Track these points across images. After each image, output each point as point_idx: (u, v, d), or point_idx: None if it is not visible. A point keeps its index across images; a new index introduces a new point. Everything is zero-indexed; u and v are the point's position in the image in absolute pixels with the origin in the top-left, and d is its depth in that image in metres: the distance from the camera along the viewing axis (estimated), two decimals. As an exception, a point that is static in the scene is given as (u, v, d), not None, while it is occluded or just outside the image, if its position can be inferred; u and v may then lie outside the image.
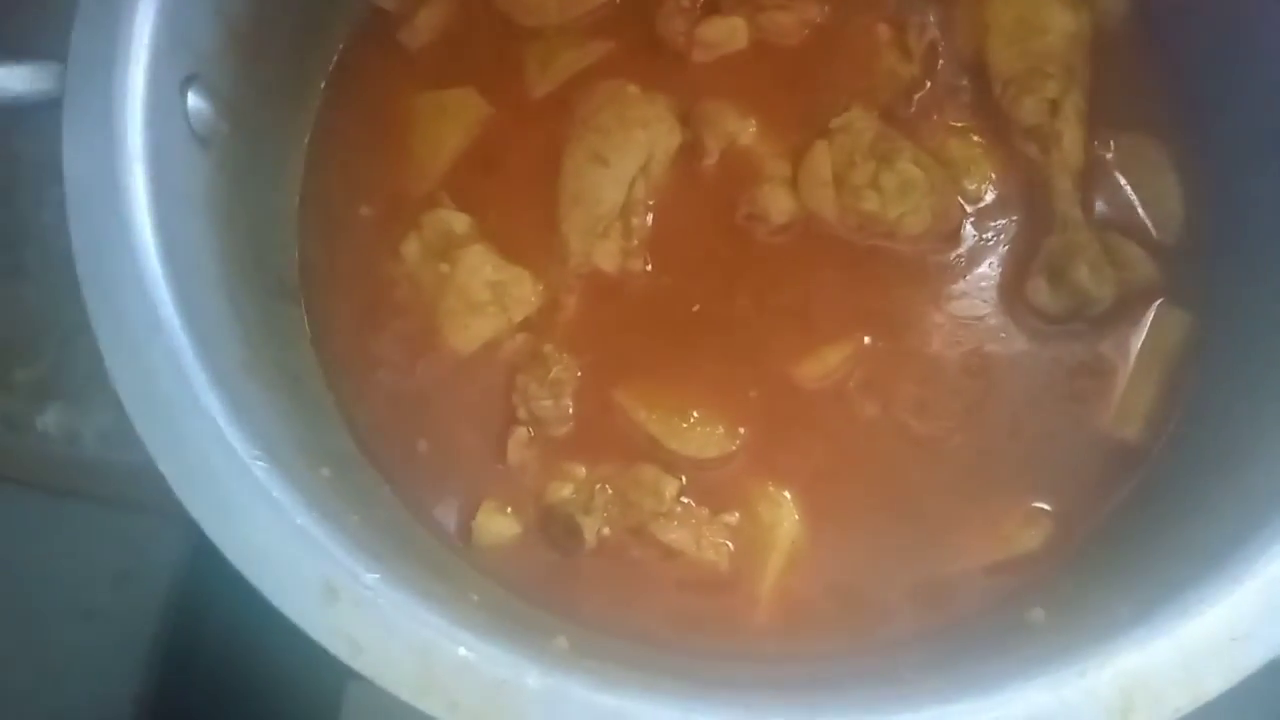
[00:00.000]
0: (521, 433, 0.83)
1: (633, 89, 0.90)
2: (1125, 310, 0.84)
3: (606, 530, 0.81)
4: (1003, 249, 0.87)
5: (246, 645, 0.94)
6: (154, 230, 0.66)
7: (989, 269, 0.87)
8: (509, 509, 0.82)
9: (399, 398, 0.86)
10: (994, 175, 0.88)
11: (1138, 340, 0.84)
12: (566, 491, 0.82)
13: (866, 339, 0.85)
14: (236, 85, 0.80)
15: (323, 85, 0.93)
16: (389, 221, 0.89)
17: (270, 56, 0.85)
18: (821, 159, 0.87)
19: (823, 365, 0.84)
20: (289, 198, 0.89)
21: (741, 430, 0.83)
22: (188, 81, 0.73)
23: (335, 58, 0.93)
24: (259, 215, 0.84)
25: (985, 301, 0.86)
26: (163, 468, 0.60)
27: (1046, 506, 0.81)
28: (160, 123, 0.69)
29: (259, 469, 0.61)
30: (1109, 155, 0.88)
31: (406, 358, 0.87)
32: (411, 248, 0.88)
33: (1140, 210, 0.87)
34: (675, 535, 0.80)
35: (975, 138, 0.89)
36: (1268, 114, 0.83)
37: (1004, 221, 0.88)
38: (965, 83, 0.91)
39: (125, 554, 1.06)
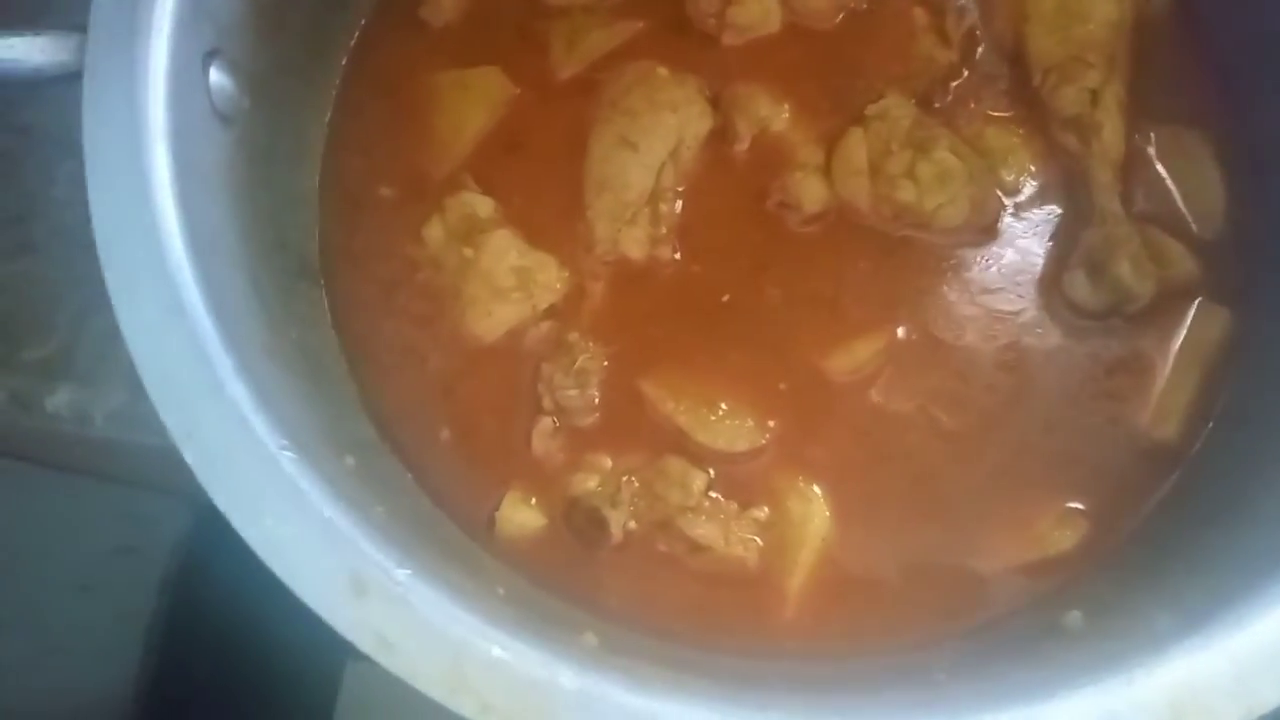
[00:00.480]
0: (546, 423, 0.82)
1: (662, 71, 0.88)
2: (1164, 307, 0.83)
3: (632, 524, 0.79)
4: (1041, 242, 0.85)
5: (247, 623, 0.93)
6: (177, 210, 0.64)
7: (1026, 262, 0.85)
8: (533, 500, 0.81)
9: (421, 384, 0.84)
10: (1032, 166, 0.86)
11: (1176, 338, 0.83)
12: (592, 483, 0.80)
13: (899, 332, 0.83)
14: (257, 60, 0.77)
15: (343, 62, 0.90)
16: (411, 203, 0.87)
17: (291, 30, 0.82)
18: (856, 147, 0.85)
19: (853, 358, 0.82)
20: (310, 177, 0.87)
21: (771, 423, 0.81)
22: (210, 56, 0.71)
23: (356, 34, 0.91)
24: (280, 195, 0.82)
25: (1021, 295, 0.84)
26: (187, 456, 0.58)
27: (1081, 506, 0.80)
28: (183, 99, 0.67)
29: (286, 459, 0.59)
30: (1149, 148, 0.86)
31: (429, 343, 0.85)
32: (434, 231, 0.85)
33: (1181, 204, 0.85)
34: (703, 530, 0.78)
35: (1014, 127, 0.87)
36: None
37: (1042, 213, 0.86)
38: (1003, 70, 0.89)
39: (127, 529, 1.05)
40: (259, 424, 0.59)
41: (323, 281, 0.86)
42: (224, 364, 0.60)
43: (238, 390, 0.60)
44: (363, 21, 0.91)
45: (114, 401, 0.97)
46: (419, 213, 0.86)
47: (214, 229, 0.69)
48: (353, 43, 0.91)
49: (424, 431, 0.83)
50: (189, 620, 1.04)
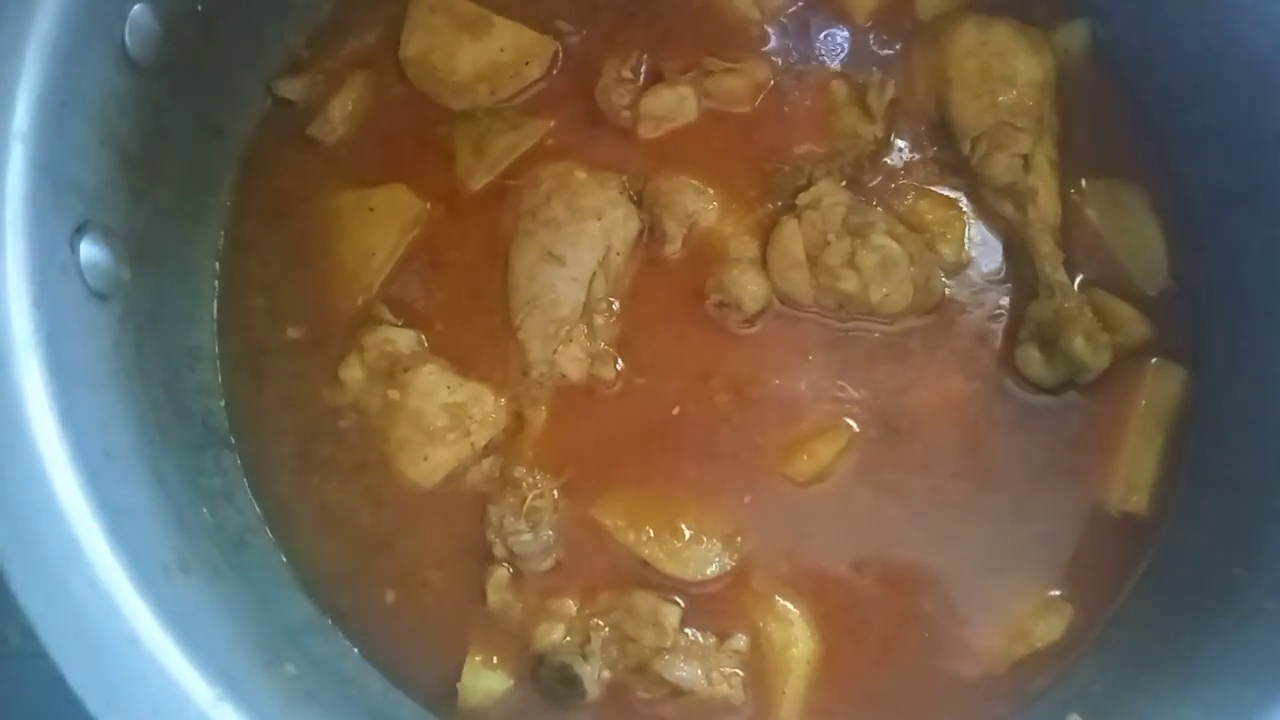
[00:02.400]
0: (500, 573, 0.75)
1: (580, 173, 0.82)
2: (1119, 371, 0.81)
3: (607, 673, 0.74)
4: (987, 317, 0.82)
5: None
6: (58, 426, 0.56)
7: (975, 340, 0.82)
8: (495, 660, 0.75)
9: (356, 544, 0.77)
10: (970, 237, 0.84)
11: (1135, 403, 0.81)
12: (558, 634, 0.74)
13: (856, 426, 0.80)
14: (133, 219, 0.70)
15: (229, 198, 0.82)
16: (323, 343, 0.80)
17: (167, 174, 0.74)
18: (792, 238, 0.80)
19: (816, 461, 0.79)
20: (205, 333, 0.79)
21: (739, 540, 0.77)
22: (79, 232, 0.63)
23: (239, 163, 0.83)
24: (173, 361, 0.74)
25: (975, 375, 0.81)
26: (107, 730, 0.51)
27: (1063, 593, 0.78)
28: (51, 292, 0.59)
29: (225, 712, 0.52)
30: (1086, 207, 0.84)
31: (359, 497, 0.78)
32: (353, 372, 0.78)
33: (1124, 262, 0.84)
34: (683, 672, 0.73)
35: (947, 198, 0.85)
36: (1240, 153, 0.80)
37: (986, 287, 0.83)
38: (929, 140, 0.86)
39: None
40: (190, 679, 0.52)
41: (234, 443, 0.78)
42: (138, 609, 0.53)
43: (158, 640, 0.53)
44: (245, 148, 0.83)
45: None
46: (333, 353, 0.79)
47: (104, 428, 0.61)
48: (236, 174, 0.83)
49: (366, 596, 0.76)
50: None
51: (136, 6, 0.66)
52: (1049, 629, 0.76)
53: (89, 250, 0.63)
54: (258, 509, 0.76)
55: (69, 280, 0.61)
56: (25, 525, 0.53)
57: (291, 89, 0.84)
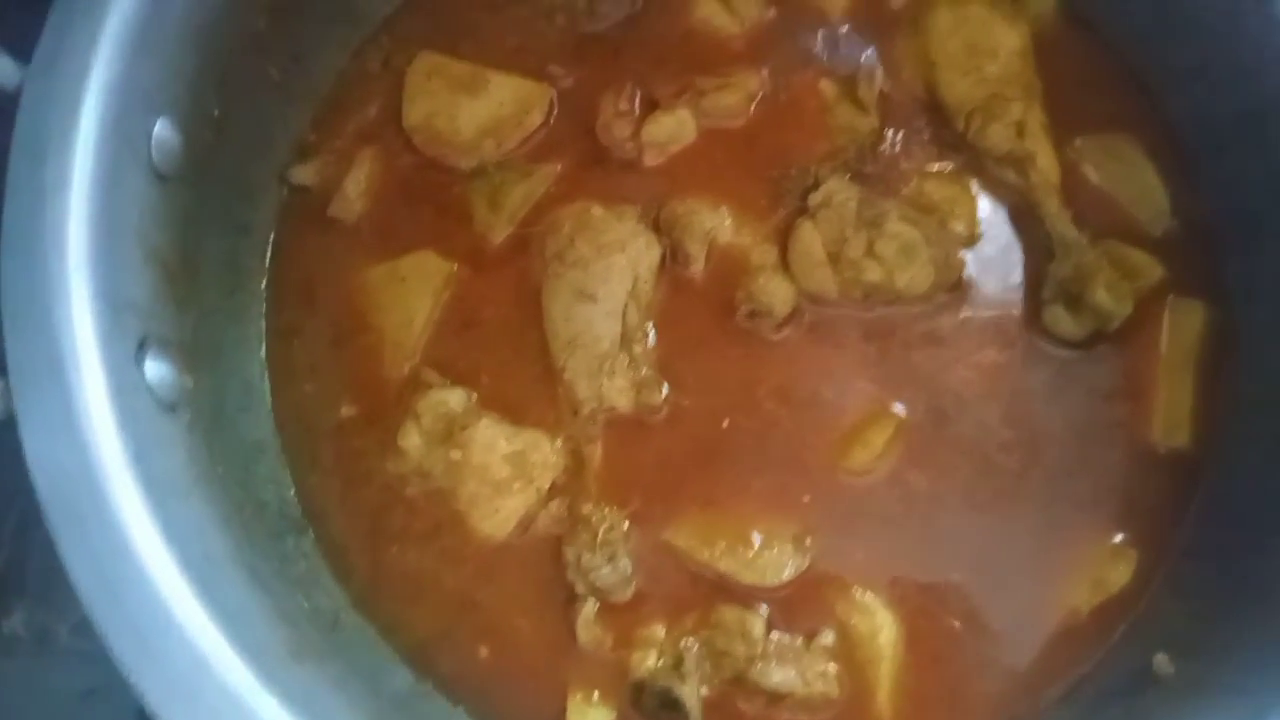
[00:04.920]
0: (587, 609, 0.77)
1: (597, 210, 0.84)
2: (1141, 315, 0.83)
3: (705, 690, 0.76)
4: (1009, 283, 0.85)
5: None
6: (163, 541, 0.58)
7: (1001, 307, 0.84)
8: (596, 695, 0.77)
9: (443, 605, 0.79)
10: (979, 210, 0.86)
11: (1161, 343, 0.84)
12: (652, 660, 0.76)
13: (902, 412, 0.82)
14: (183, 327, 0.72)
15: (264, 290, 0.84)
16: (377, 416, 0.82)
17: (205, 279, 0.76)
18: (810, 239, 0.83)
19: (869, 451, 0.81)
20: (263, 426, 0.81)
21: (808, 541, 0.79)
22: (141, 349, 0.65)
23: (268, 255, 0.85)
24: (242, 457, 0.76)
25: (1006, 343, 0.84)
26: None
27: (1125, 537, 0.80)
28: (129, 412, 0.61)
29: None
30: (1083, 163, 0.87)
31: (439, 560, 0.80)
32: (411, 439, 0.80)
33: (1128, 210, 0.86)
34: (778, 676, 0.75)
35: (951, 175, 0.87)
36: (1221, 88, 0.83)
37: (1002, 254, 0.86)
38: (923, 122, 0.88)
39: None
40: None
41: (310, 528, 0.80)
42: (268, 707, 0.55)
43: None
44: (271, 237, 0.85)
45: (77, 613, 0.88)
46: (389, 424, 0.81)
47: (198, 537, 0.63)
48: (267, 265, 0.85)
49: (461, 655, 0.78)
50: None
51: (159, 121, 0.68)
52: (1119, 575, 0.79)
53: (152, 366, 0.65)
54: (343, 588, 0.78)
55: (140, 398, 0.63)
56: (152, 644, 0.55)
57: (304, 175, 0.86)
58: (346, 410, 0.82)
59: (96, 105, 0.60)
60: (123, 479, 0.57)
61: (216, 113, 0.73)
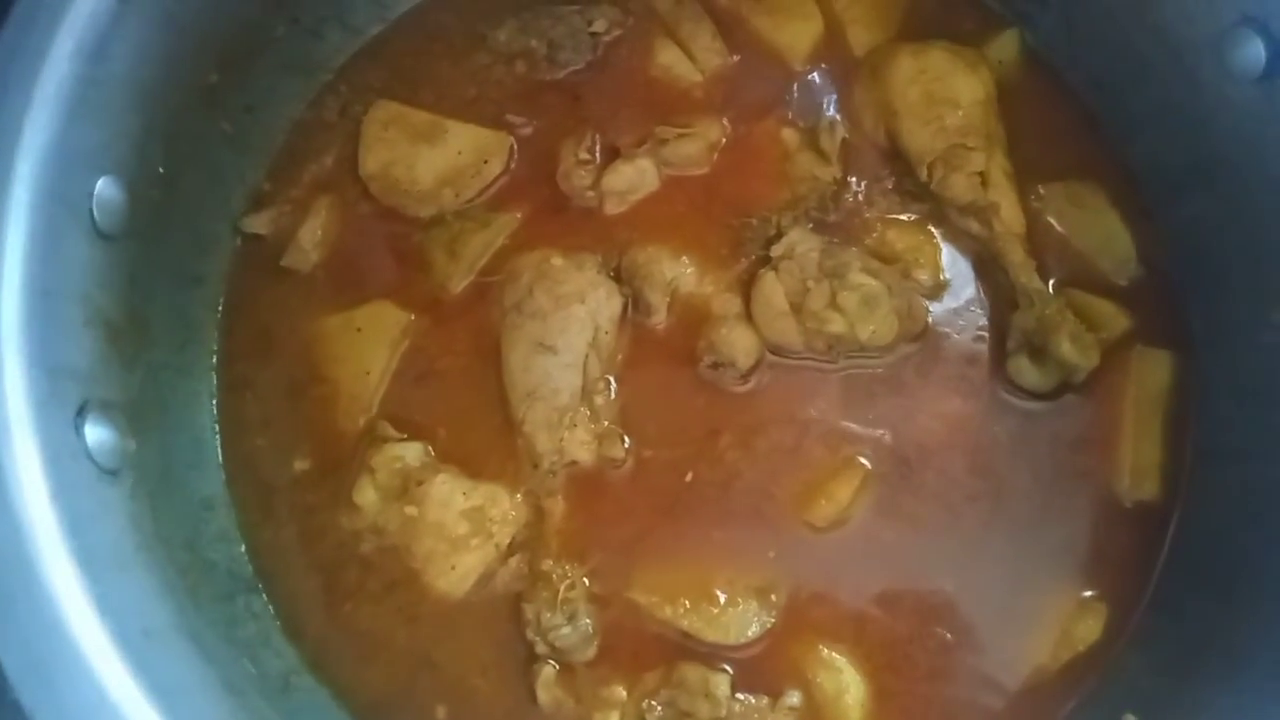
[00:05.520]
0: (547, 670, 0.76)
1: (557, 260, 0.83)
2: (1107, 365, 0.82)
3: (668, 753, 0.74)
4: (973, 334, 0.84)
5: None
6: (98, 617, 0.56)
7: (965, 358, 0.84)
8: (557, 759, 0.75)
9: (399, 665, 0.77)
10: (943, 259, 0.86)
11: (1127, 393, 0.83)
12: (614, 721, 0.75)
13: (867, 464, 0.81)
14: (127, 388, 0.70)
15: (216, 343, 0.82)
16: (331, 471, 0.80)
17: (154, 336, 0.74)
18: (772, 290, 0.82)
19: (834, 504, 0.80)
20: (213, 481, 0.79)
21: (773, 597, 0.78)
22: (80, 415, 0.63)
23: (221, 307, 0.83)
24: (189, 516, 0.74)
25: (972, 394, 0.83)
26: None
27: (1095, 592, 0.79)
28: (65, 482, 0.59)
29: None
30: (1047, 211, 0.87)
31: (394, 618, 0.78)
32: (367, 495, 0.78)
33: (1092, 259, 0.86)
34: (743, 738, 0.74)
35: (913, 223, 0.87)
36: (1180, 136, 0.83)
37: (966, 304, 0.85)
38: (885, 170, 0.88)
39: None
40: None
41: (260, 586, 0.78)
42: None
43: None
44: (224, 289, 0.84)
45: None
46: (344, 479, 0.79)
47: (139, 613, 0.61)
48: (220, 317, 0.83)
49: (418, 717, 0.76)
50: None
51: (100, 181, 0.67)
52: (1088, 630, 0.78)
53: (93, 431, 0.63)
54: (295, 648, 0.76)
55: (79, 465, 0.61)
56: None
57: (259, 223, 0.85)
58: (300, 464, 0.81)
59: (30, 170, 0.59)
60: (56, 554, 0.55)
61: (163, 170, 0.72)
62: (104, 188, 0.66)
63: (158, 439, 0.72)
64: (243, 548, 0.78)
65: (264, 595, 0.78)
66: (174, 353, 0.77)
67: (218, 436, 0.81)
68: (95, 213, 0.66)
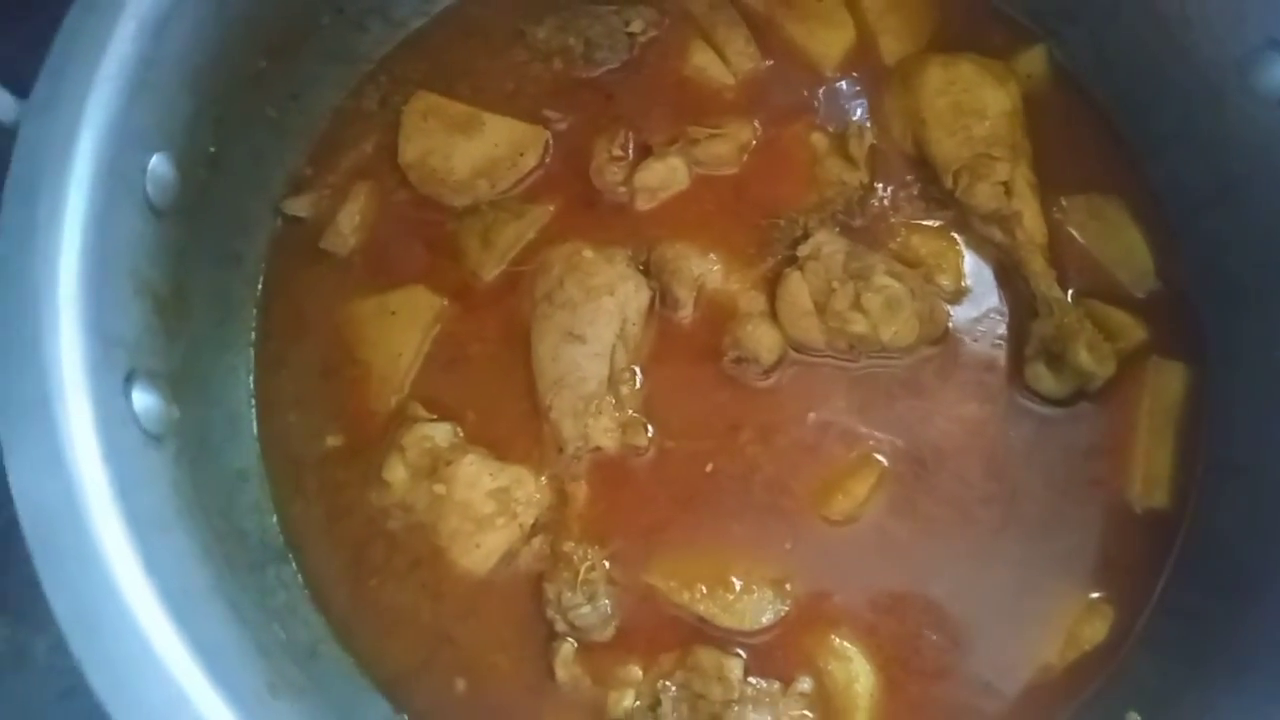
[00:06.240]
0: (566, 648, 0.78)
1: (588, 253, 0.85)
2: (1122, 375, 0.84)
3: (681, 732, 0.76)
4: (992, 339, 0.86)
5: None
6: (145, 575, 0.58)
7: (984, 363, 0.86)
8: (572, 735, 0.77)
9: (421, 639, 0.79)
10: (965, 264, 0.88)
11: (1141, 403, 0.85)
12: (629, 700, 0.77)
13: (884, 462, 0.83)
14: (170, 359, 0.72)
15: (254, 320, 0.85)
16: (363, 449, 0.82)
17: (195, 310, 0.76)
18: (798, 289, 0.84)
19: (851, 499, 0.82)
20: (248, 453, 0.81)
21: (788, 586, 0.80)
22: (128, 381, 0.65)
23: (260, 285, 0.86)
24: (225, 486, 0.77)
25: (989, 398, 0.85)
26: None
27: (1102, 595, 0.81)
28: (115, 445, 0.61)
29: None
30: (1069, 223, 0.88)
31: (418, 593, 0.80)
32: (396, 472, 0.81)
33: (1111, 271, 0.88)
34: (754, 722, 0.76)
35: (938, 229, 0.88)
36: (1203, 155, 0.85)
37: (987, 310, 0.87)
38: (911, 176, 0.90)
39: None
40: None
41: (291, 557, 0.80)
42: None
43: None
44: (263, 269, 0.86)
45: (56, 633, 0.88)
46: (374, 457, 0.81)
47: (180, 569, 0.63)
48: (258, 296, 0.85)
49: (438, 689, 0.78)
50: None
51: (155, 157, 0.69)
52: (1094, 631, 0.79)
53: (140, 397, 0.65)
54: (322, 618, 0.78)
55: (127, 430, 0.63)
56: (129, 679, 0.55)
57: (299, 206, 0.87)
58: (332, 441, 0.83)
59: (92, 144, 0.61)
60: (107, 513, 0.58)
61: (212, 149, 0.74)
62: (157, 164, 0.68)
63: (197, 410, 0.74)
64: (275, 519, 0.81)
65: (294, 566, 0.80)
66: (214, 328, 0.80)
67: (253, 411, 0.83)
68: (149, 188, 0.68)
